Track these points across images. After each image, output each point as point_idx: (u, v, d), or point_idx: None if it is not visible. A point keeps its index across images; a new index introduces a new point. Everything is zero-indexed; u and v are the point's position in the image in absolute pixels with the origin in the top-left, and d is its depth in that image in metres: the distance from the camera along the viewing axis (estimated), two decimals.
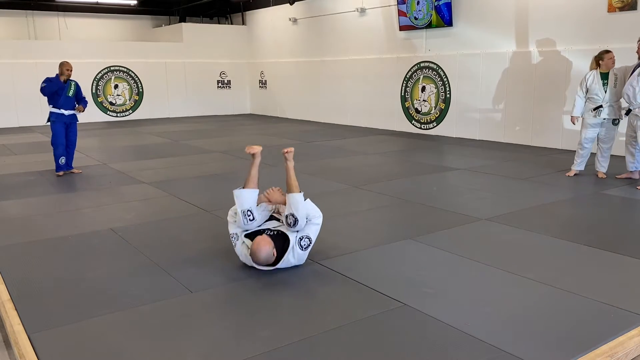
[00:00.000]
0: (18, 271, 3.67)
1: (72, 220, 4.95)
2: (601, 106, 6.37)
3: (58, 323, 2.89)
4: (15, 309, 3.05)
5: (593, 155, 6.75)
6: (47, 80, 7.03)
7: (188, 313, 3.01)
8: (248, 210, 3.55)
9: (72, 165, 7.33)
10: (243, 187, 3.64)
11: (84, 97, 7.37)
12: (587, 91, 6.44)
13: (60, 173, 7.08)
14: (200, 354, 2.57)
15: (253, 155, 3.78)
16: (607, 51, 6.41)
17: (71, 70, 7.14)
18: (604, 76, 6.37)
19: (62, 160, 7.10)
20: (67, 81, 7.12)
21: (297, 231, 3.55)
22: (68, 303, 3.15)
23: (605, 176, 6.52)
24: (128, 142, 10.35)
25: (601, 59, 6.38)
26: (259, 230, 3.62)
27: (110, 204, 5.60)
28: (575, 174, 6.65)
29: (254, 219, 3.58)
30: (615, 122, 6.46)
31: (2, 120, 12.99)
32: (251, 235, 3.59)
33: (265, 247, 3.43)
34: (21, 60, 13.18)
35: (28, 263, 3.85)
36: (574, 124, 6.67)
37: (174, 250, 4.07)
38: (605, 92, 6.33)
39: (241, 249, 3.60)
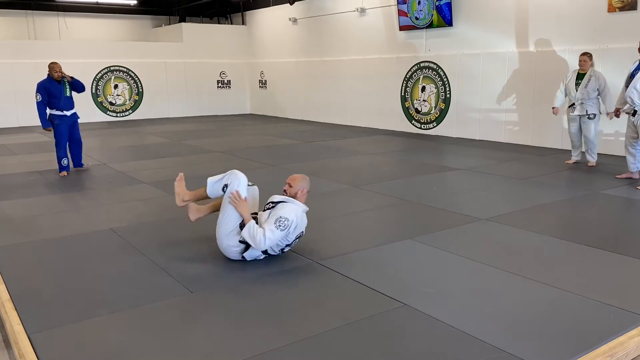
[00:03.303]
0: (18, 271, 3.68)
1: (72, 220, 4.95)
2: (574, 104, 6.94)
3: (58, 323, 2.89)
4: (15, 309, 3.05)
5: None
6: (41, 88, 6.99)
7: (188, 313, 3.01)
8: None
9: (82, 163, 7.44)
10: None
11: (79, 80, 7.35)
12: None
13: (64, 173, 7.07)
14: (200, 353, 2.57)
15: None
16: (583, 53, 6.95)
17: (61, 71, 7.09)
18: (580, 76, 6.89)
19: (65, 161, 7.10)
20: (62, 81, 7.12)
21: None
22: (68, 303, 3.15)
23: (594, 164, 7.03)
24: (128, 142, 10.34)
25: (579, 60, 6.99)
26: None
27: (110, 204, 5.60)
28: (575, 162, 7.23)
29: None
30: (591, 117, 6.88)
31: (2, 120, 12.99)
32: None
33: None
34: (21, 60, 13.17)
35: (28, 263, 3.85)
36: (555, 114, 7.42)
37: (174, 250, 4.07)
38: (577, 91, 6.86)
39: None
